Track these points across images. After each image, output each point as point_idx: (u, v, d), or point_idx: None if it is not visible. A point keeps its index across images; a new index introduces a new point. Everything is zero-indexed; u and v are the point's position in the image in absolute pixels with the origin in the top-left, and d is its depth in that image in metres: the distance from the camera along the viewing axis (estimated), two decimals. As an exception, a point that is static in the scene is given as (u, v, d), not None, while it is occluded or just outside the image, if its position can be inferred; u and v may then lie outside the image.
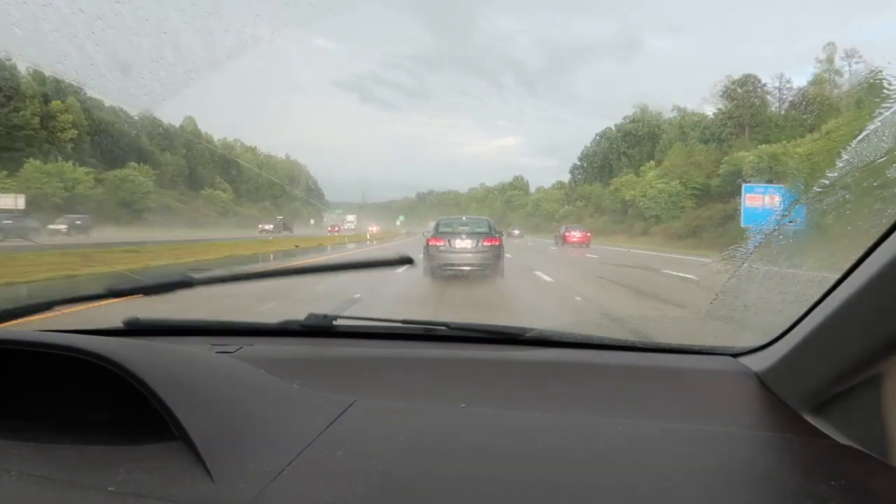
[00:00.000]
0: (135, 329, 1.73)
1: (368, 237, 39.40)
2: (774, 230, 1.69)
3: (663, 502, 0.91)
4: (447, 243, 12.40)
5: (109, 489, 0.88)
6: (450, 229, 12.88)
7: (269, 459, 0.97)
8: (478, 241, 12.36)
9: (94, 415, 1.16)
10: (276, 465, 0.96)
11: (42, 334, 1.18)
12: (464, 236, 12.44)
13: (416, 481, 0.95)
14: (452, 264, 12.27)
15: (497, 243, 12.62)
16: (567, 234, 33.72)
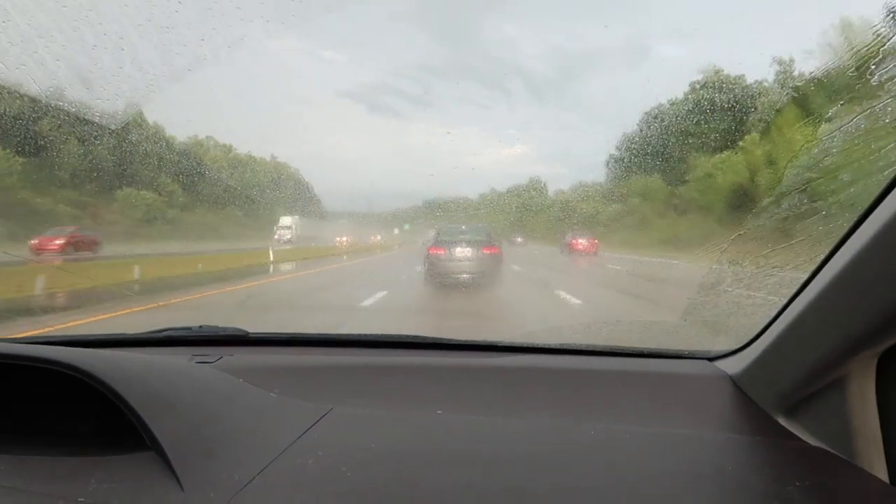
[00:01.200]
0: (119, 341, 1.75)
1: (272, 258, 21.78)
2: (740, 232, 1.71)
3: None
4: (447, 252, 12.42)
5: (80, 500, 0.89)
6: (449, 238, 12.90)
7: (240, 468, 0.98)
8: (477, 250, 12.38)
9: (73, 426, 1.17)
10: (246, 474, 0.97)
11: (13, 346, 1.19)
12: (463, 245, 12.45)
13: (387, 489, 0.96)
14: (452, 272, 12.28)
15: (496, 252, 12.63)
16: (573, 241, 32.58)
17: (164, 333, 1.79)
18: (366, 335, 1.80)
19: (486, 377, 1.51)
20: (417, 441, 1.17)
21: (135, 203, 34.63)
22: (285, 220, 33.56)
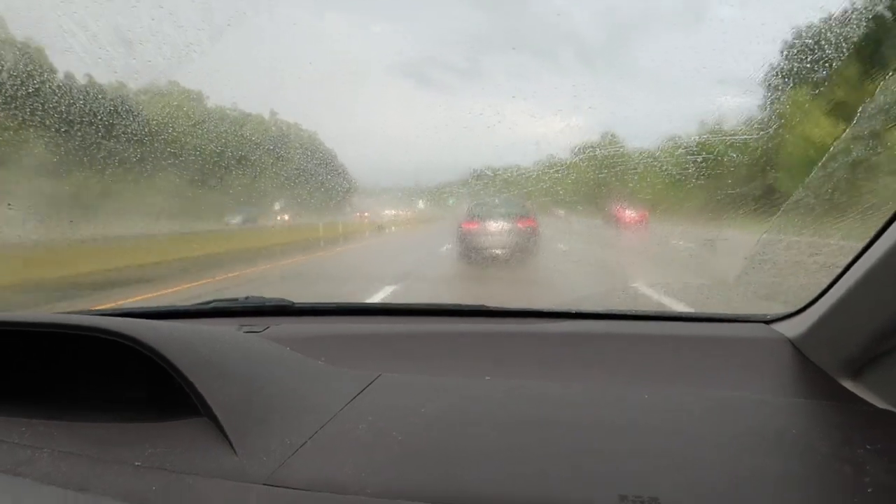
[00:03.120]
0: (168, 312, 1.80)
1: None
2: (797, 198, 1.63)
3: (695, 467, 0.89)
4: (479, 226, 11.83)
5: (136, 464, 0.91)
6: (482, 212, 12.21)
7: (291, 433, 0.99)
8: (512, 223, 11.71)
9: (126, 394, 1.20)
10: (298, 438, 0.97)
11: (69, 316, 1.21)
12: (497, 218, 11.82)
13: (437, 452, 0.96)
14: (486, 247, 11.85)
15: (532, 225, 11.87)
16: (619, 212, 30.67)
17: (211, 305, 1.83)
18: (409, 304, 1.81)
19: (534, 343, 1.50)
20: (467, 407, 1.16)
21: None
22: None
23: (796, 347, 1.34)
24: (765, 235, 1.74)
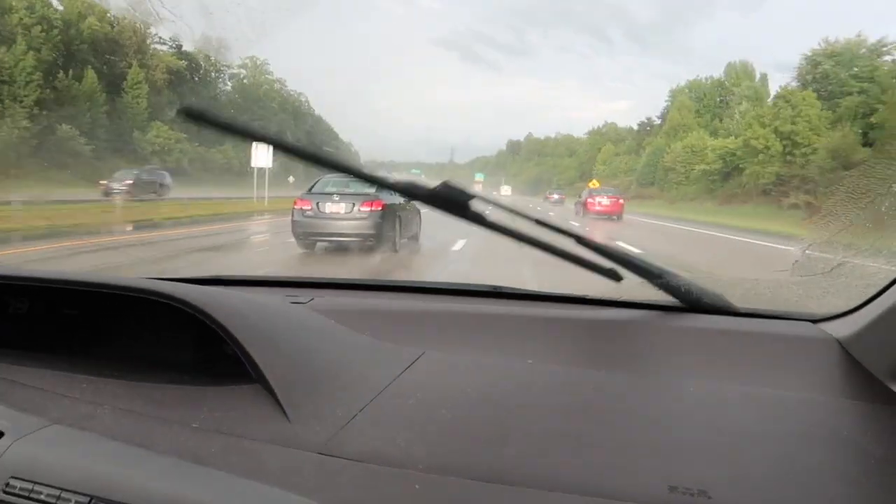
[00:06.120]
0: (213, 280, 1.83)
1: None
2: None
3: (743, 463, 0.89)
4: (315, 207, 9.65)
5: (193, 426, 0.94)
6: (323, 189, 10.08)
7: (343, 404, 1.00)
8: (353, 206, 9.57)
9: (176, 356, 1.22)
10: (350, 409, 0.99)
11: (132, 279, 1.25)
12: (336, 198, 9.65)
13: (486, 431, 0.97)
14: (321, 233, 9.84)
15: (380, 208, 9.59)
16: (590, 201, 25.03)
17: (259, 275, 1.85)
18: (453, 283, 1.81)
19: (577, 329, 1.49)
20: (512, 389, 1.17)
21: None
22: None
23: (844, 349, 1.31)
24: (807, 252, 1.71)
